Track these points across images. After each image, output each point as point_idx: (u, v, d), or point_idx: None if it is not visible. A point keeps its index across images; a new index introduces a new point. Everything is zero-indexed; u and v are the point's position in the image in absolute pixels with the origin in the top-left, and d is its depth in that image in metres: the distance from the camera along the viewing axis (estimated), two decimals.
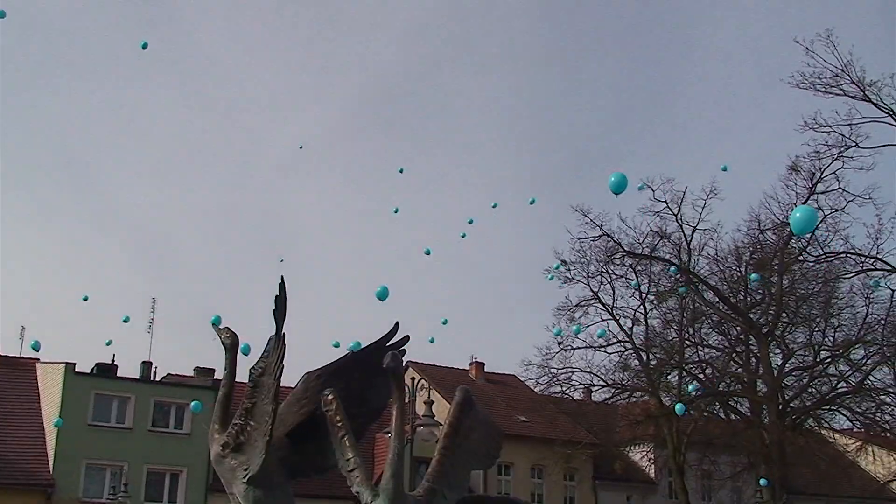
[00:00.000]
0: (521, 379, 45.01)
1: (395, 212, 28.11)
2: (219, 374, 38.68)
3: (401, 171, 31.57)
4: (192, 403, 30.04)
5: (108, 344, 26.57)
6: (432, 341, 24.63)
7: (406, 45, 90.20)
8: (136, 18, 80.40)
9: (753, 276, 37.57)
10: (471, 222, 26.61)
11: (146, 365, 40.05)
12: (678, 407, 33.45)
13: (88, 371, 38.01)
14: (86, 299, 25.44)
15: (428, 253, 27.43)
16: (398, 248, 79.13)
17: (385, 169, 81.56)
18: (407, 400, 21.08)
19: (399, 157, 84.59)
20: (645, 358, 41.71)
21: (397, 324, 10.20)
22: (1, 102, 69.96)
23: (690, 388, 39.71)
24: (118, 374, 38.77)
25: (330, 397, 8.96)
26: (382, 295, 18.44)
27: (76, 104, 79.17)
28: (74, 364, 37.17)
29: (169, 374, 40.86)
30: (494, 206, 28.70)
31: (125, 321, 24.91)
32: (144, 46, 22.41)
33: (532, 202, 29.46)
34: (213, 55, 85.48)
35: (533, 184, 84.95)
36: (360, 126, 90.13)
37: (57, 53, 79.47)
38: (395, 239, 72.94)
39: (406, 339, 10.25)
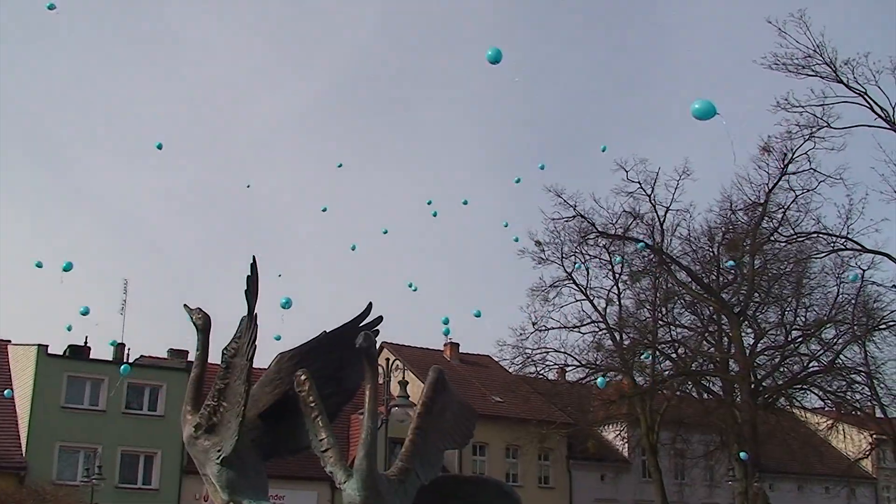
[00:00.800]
0: (496, 359, 45.22)
1: (324, 210, 28.21)
2: (192, 356, 38.50)
3: (339, 166, 32.26)
4: (122, 367, 29.72)
5: (69, 329, 26.26)
6: (412, 287, 24.84)
7: (378, 28, 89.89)
8: None
9: (730, 262, 37.79)
10: (434, 212, 26.66)
11: (119, 347, 39.81)
12: (599, 381, 33.69)
13: (61, 353, 37.72)
14: (39, 265, 24.43)
15: (385, 232, 27.94)
16: (371, 228, 78.99)
17: (355, 149, 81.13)
18: (381, 381, 21.09)
19: (372, 138, 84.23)
20: (618, 338, 41.93)
21: (370, 304, 10.15)
22: None
23: (644, 355, 40.00)
24: (91, 356, 38.52)
25: (303, 377, 8.92)
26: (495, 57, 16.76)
27: (48, 82, 78.40)
28: (47, 346, 36.92)
29: (142, 355, 40.64)
30: (465, 203, 28.99)
31: (37, 266, 24.11)
32: (160, 147, 23.33)
33: (517, 181, 28.79)
34: (185, 35, 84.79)
35: (508, 165, 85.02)
36: (333, 107, 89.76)
37: (30, 31, 78.59)
38: (368, 219, 72.72)
39: (379, 319, 10.21)
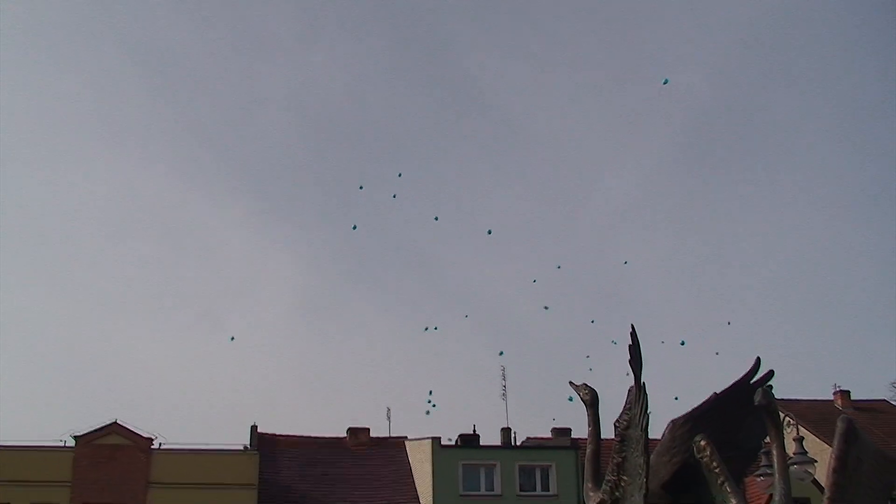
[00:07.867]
0: (894, 403, 41.84)
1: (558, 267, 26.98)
2: (575, 434, 39.15)
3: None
4: None
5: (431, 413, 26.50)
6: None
7: (719, 71, 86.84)
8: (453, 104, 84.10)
9: None
10: None
11: (505, 431, 41.06)
12: None
13: (453, 443, 39.46)
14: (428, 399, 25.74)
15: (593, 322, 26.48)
16: (736, 284, 76.29)
17: (711, 207, 78.96)
18: None
19: (726, 192, 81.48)
20: None
21: (758, 359, 9.77)
22: (359, 215, 75.16)
23: None
24: (481, 444, 39.98)
25: (703, 443, 8.69)
26: None
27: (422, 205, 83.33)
28: (439, 438, 38.78)
29: (528, 437, 41.61)
30: None
31: (231, 340, 25.39)
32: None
33: None
34: (522, 124, 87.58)
35: (869, 190, 79.16)
36: (681, 167, 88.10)
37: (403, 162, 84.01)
38: (733, 276, 70.20)
39: (770, 374, 9.79)
